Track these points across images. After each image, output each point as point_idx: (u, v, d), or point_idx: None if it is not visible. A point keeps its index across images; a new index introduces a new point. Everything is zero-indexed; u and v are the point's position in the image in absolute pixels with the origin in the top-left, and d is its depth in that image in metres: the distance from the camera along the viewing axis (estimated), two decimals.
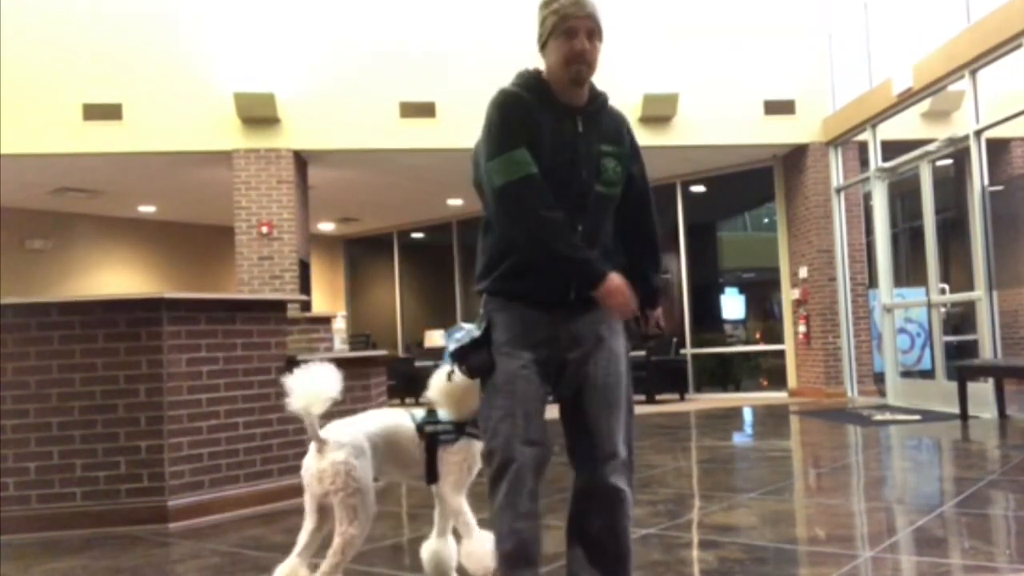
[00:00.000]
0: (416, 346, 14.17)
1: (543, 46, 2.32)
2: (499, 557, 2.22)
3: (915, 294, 9.72)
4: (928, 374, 9.20)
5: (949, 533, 3.70)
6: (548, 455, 2.26)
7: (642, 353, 11.82)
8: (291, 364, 4.76)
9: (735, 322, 13.73)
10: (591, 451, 2.29)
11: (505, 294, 2.31)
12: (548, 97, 2.30)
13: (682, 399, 11.23)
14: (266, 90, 9.49)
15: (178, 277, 14.11)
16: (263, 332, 4.73)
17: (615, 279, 2.20)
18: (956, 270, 9.91)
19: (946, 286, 9.07)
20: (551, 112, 2.28)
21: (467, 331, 2.36)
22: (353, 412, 5.07)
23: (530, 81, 2.33)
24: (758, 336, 12.99)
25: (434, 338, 13.25)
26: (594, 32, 2.26)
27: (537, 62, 2.37)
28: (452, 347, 2.35)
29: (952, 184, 10.25)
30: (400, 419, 2.84)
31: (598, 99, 2.39)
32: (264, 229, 9.71)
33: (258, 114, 9.57)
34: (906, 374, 9.70)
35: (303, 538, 2.66)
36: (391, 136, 9.98)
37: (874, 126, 9.75)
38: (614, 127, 2.41)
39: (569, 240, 2.19)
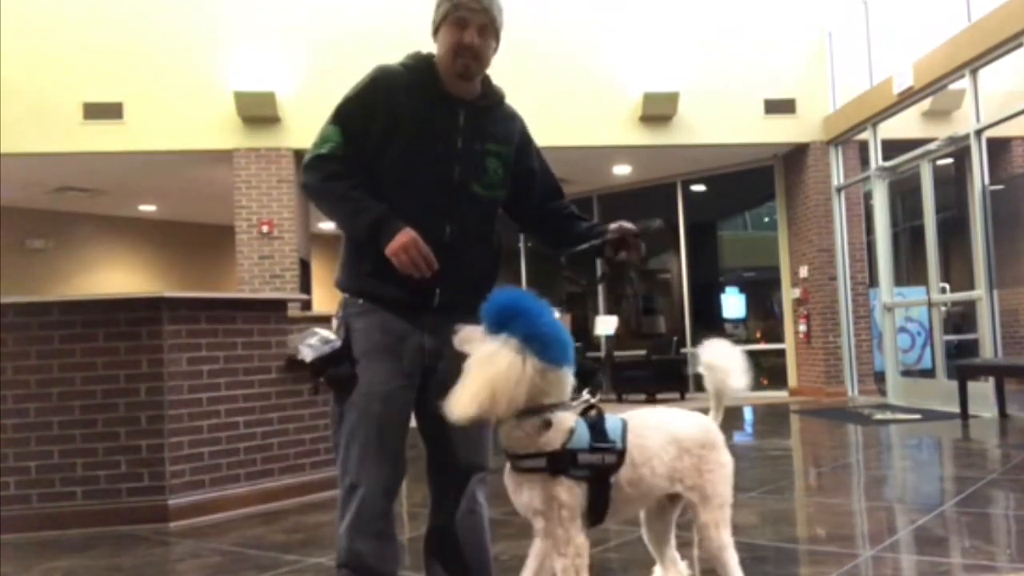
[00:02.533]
0: None
1: (435, 32, 2.19)
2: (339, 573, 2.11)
3: (916, 293, 9.71)
4: (929, 373, 9.19)
5: (950, 532, 3.70)
6: (402, 475, 2.14)
7: (642, 352, 11.84)
8: (292, 364, 4.80)
9: (735, 321, 13.74)
10: (454, 465, 2.19)
11: (365, 295, 2.17)
12: (432, 84, 2.17)
13: (682, 398, 11.22)
14: (266, 89, 9.49)
15: (178, 276, 14.10)
16: (263, 331, 4.72)
17: (408, 233, 2.00)
18: (957, 269, 9.91)
19: (947, 285, 9.07)
20: (429, 99, 2.15)
21: (322, 337, 2.15)
22: None
23: (419, 63, 2.20)
24: (759, 335, 12.98)
25: None
26: (487, 28, 2.13)
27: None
28: (309, 357, 2.12)
29: (953, 183, 10.24)
30: None
31: (492, 95, 2.26)
32: (265, 228, 9.70)
33: (258, 113, 9.56)
34: (906, 373, 9.70)
35: None
36: None
37: (874, 125, 9.74)
38: (505, 127, 2.27)
39: (347, 195, 2.08)
